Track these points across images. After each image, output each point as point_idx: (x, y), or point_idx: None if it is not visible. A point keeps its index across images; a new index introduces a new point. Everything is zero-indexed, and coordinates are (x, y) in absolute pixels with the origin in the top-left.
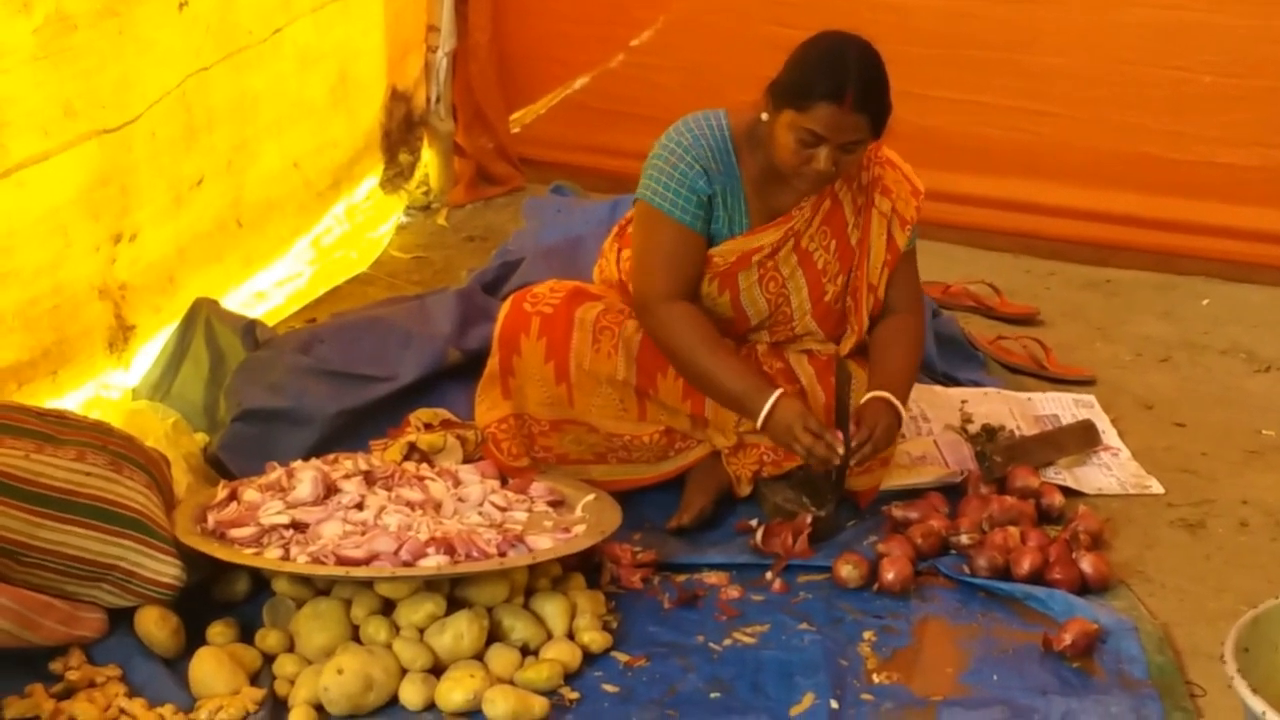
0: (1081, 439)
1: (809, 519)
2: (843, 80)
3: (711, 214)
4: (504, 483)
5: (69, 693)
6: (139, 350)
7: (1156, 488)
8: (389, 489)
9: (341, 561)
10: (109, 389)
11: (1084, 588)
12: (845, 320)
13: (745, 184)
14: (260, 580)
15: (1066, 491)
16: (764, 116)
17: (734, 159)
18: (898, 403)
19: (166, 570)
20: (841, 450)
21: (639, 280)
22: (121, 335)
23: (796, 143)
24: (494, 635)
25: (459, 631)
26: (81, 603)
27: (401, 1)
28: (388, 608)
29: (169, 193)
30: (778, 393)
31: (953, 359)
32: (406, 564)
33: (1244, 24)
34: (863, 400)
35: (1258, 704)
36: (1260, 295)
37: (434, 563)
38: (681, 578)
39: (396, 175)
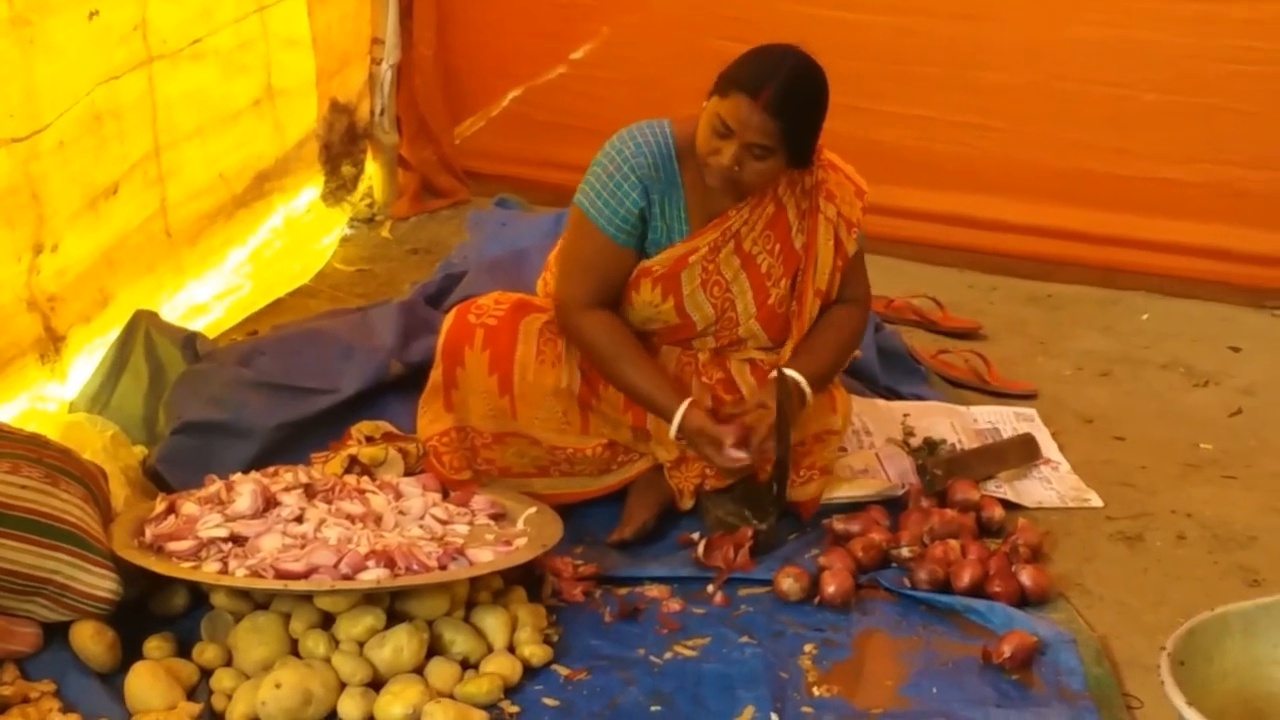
0: (1022, 452)
1: (750, 532)
2: (765, 79)
3: (646, 226)
4: (445, 496)
5: (2, 708)
6: (72, 362)
7: (1096, 501)
8: (329, 502)
9: (280, 575)
10: (44, 401)
11: (1023, 600)
12: (789, 325)
13: (686, 192)
14: (198, 594)
15: (1006, 505)
16: (705, 105)
17: (676, 167)
18: (802, 381)
19: (103, 584)
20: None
21: (560, 284)
22: (52, 347)
23: (709, 129)
24: (434, 649)
25: (399, 645)
26: (16, 617)
27: (334, 13)
28: (327, 621)
29: (82, 201)
30: (686, 403)
31: (895, 373)
32: (346, 577)
33: (1185, 42)
34: (771, 375)
35: (1194, 716)
36: (1200, 310)
37: (374, 576)
38: (623, 591)
39: (339, 188)
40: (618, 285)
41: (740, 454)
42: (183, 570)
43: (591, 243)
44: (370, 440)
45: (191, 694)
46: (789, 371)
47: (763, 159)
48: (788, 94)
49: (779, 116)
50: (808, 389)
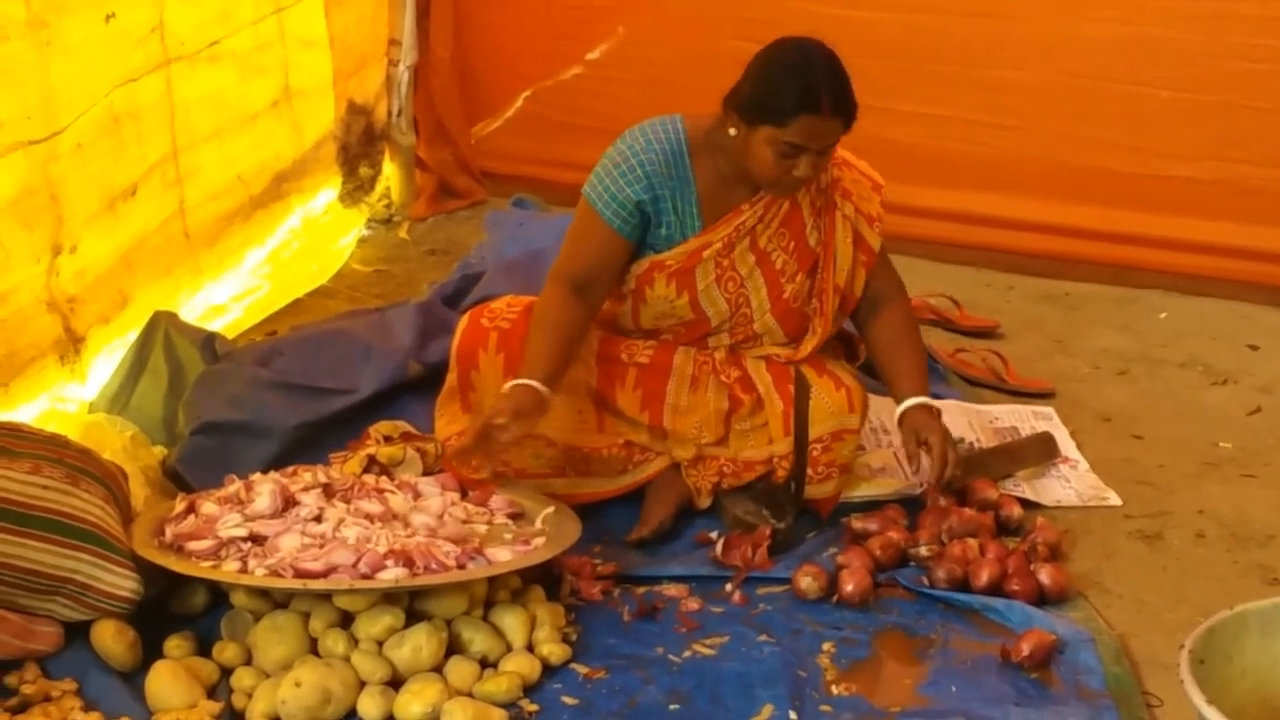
0: (1040, 451)
1: (768, 531)
2: (816, 89)
3: (649, 220)
4: (464, 495)
5: (24, 706)
6: (91, 363)
7: (1114, 499)
8: (348, 501)
9: (300, 574)
10: (64, 402)
11: (1042, 599)
12: (807, 321)
13: (698, 189)
14: (218, 593)
15: (1025, 503)
16: (732, 131)
17: (688, 163)
18: (935, 404)
19: (123, 583)
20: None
21: (557, 258)
22: (72, 348)
23: (777, 155)
24: (453, 648)
25: (418, 644)
26: (37, 616)
27: (351, 15)
28: (346, 620)
29: (101, 203)
30: (513, 383)
31: None
32: (365, 576)
33: (1200, 39)
34: (904, 409)
35: (1213, 714)
36: (1217, 308)
37: (392, 575)
38: (641, 590)
39: (357, 188)
40: (605, 273)
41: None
42: (202, 569)
43: (587, 224)
44: (388, 440)
45: (212, 693)
46: (923, 399)
47: (829, 151)
48: (838, 89)
49: (840, 112)
50: (933, 402)
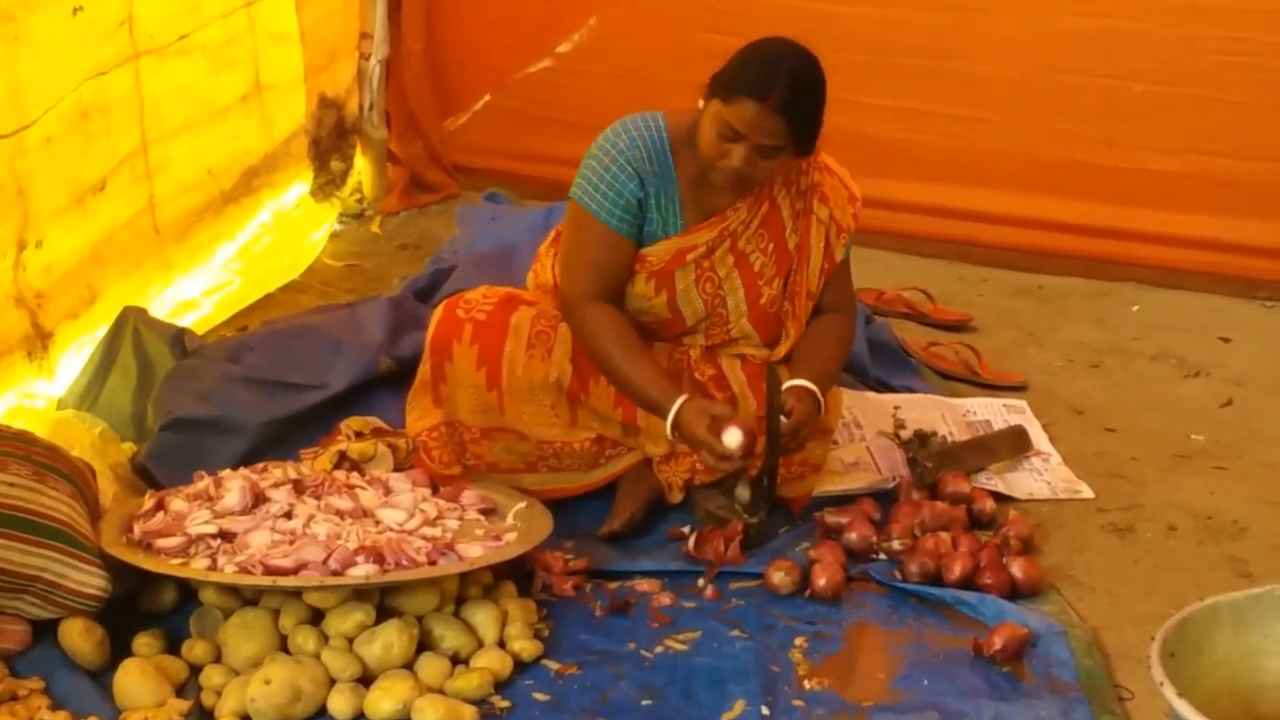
0: (1013, 444)
1: (741, 526)
2: (770, 81)
3: (644, 217)
4: (435, 491)
5: None
6: (60, 359)
7: (1087, 492)
8: (318, 498)
9: (269, 571)
10: (32, 398)
11: (1014, 592)
12: (781, 324)
13: (681, 186)
14: (187, 590)
15: (997, 497)
16: (700, 105)
17: (670, 160)
18: (816, 389)
19: (91, 581)
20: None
21: (564, 279)
22: (40, 343)
23: (716, 134)
24: (424, 644)
25: (388, 641)
26: (4, 614)
27: (322, 8)
28: (316, 617)
29: (69, 197)
30: (680, 400)
31: (886, 365)
32: (335, 573)
33: (1174, 33)
34: (783, 388)
35: (1184, 707)
36: (1190, 301)
37: (363, 571)
38: (613, 585)
39: (328, 183)
40: (620, 276)
41: (732, 454)
42: (171, 566)
43: (591, 235)
44: (359, 436)
45: (180, 691)
46: (802, 381)
47: (772, 156)
48: (793, 92)
49: (787, 116)
50: (821, 397)
